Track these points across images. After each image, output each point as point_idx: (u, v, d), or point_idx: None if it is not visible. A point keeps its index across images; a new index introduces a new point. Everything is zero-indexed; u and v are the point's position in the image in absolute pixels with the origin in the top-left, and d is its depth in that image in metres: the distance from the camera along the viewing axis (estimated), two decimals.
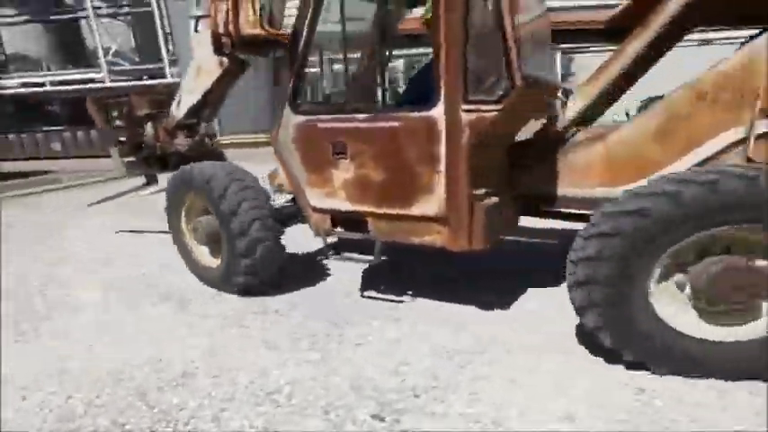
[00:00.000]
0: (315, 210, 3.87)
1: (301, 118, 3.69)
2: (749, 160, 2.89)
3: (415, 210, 3.38)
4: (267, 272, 4.17)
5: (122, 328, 3.74)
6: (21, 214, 8.81)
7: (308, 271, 4.86)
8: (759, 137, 2.89)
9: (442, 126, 3.13)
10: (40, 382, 2.97)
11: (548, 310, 3.66)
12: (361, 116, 3.46)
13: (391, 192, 3.45)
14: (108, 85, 26.92)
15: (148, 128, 5.94)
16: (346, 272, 4.65)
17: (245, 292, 4.22)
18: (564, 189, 3.52)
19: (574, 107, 3.55)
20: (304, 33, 3.56)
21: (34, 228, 7.55)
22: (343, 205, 3.68)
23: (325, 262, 5.08)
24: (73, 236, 6.86)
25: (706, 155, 3.02)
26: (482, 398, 2.65)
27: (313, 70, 4.07)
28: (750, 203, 2.48)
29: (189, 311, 4.01)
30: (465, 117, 3.06)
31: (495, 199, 3.38)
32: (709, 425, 2.35)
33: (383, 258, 4.27)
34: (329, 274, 4.75)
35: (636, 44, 3.21)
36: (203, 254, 4.61)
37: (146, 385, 2.89)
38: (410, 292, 4.15)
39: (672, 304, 2.78)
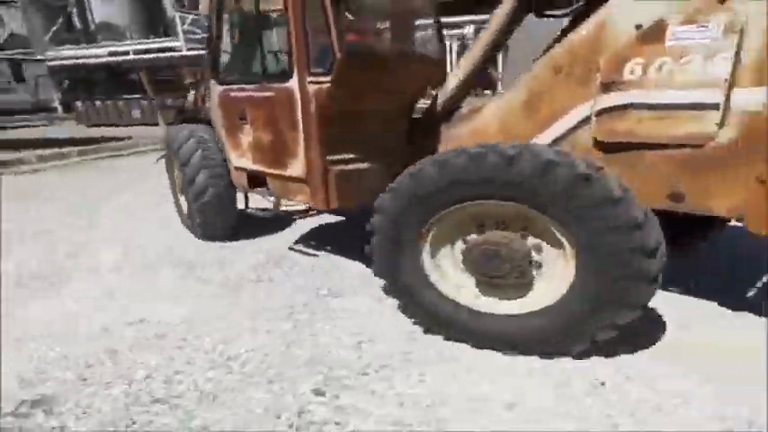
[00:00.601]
0: (235, 168, 4.51)
1: (220, 88, 4.35)
2: (594, 138, 2.92)
3: (289, 171, 3.84)
4: (217, 218, 4.82)
5: (130, 289, 3.96)
6: (93, 177, 9.47)
7: (318, 242, 4.93)
8: (599, 113, 2.87)
9: (297, 96, 3.53)
10: (35, 335, 3.22)
11: None
12: (250, 87, 3.98)
13: (274, 154, 3.93)
14: (185, 53, 27.94)
15: (190, 95, 6.25)
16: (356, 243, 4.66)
17: (204, 236, 4.98)
18: None
19: (448, 84, 3.74)
20: (213, 18, 4.29)
21: (97, 190, 8.10)
22: (249, 165, 4.25)
23: (337, 234, 5.15)
24: (124, 201, 7.26)
25: (561, 131, 3.05)
26: (428, 380, 2.61)
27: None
28: (503, 181, 2.54)
29: (193, 276, 4.18)
30: (310, 88, 3.46)
31: (354, 165, 3.71)
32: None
33: None
34: (339, 246, 4.78)
35: (488, 31, 3.49)
36: (182, 203, 5.27)
37: (120, 344, 3.06)
38: None
39: (447, 273, 3.01)
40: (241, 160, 4.34)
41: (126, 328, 3.27)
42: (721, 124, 2.52)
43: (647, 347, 2.83)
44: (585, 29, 2.86)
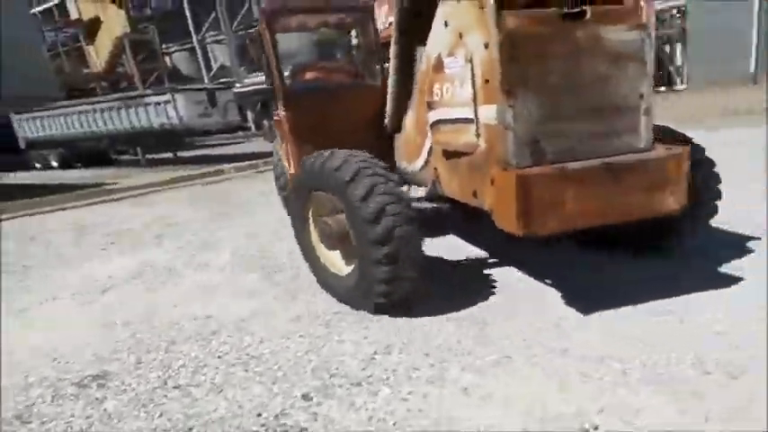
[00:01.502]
0: None
1: None
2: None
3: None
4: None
5: (213, 288, 4.54)
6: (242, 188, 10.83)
7: None
8: (431, 126, 3.79)
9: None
10: (125, 321, 3.90)
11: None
12: None
13: None
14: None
15: None
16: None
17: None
18: (401, 164, 4.66)
19: (387, 104, 4.60)
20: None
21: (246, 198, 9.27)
22: None
23: None
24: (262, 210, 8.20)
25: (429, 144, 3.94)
26: (411, 400, 2.60)
27: None
28: (323, 178, 3.62)
29: (270, 280, 4.62)
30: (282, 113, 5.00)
31: None
32: None
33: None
34: None
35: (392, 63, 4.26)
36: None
37: (177, 336, 3.56)
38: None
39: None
40: None
41: (191, 322, 3.78)
42: (477, 135, 3.18)
43: None
44: (424, 58, 3.69)
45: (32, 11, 44.20)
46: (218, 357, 3.20)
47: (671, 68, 25.59)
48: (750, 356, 2.67)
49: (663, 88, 24.63)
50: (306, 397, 2.69)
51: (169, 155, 18.82)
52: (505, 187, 2.96)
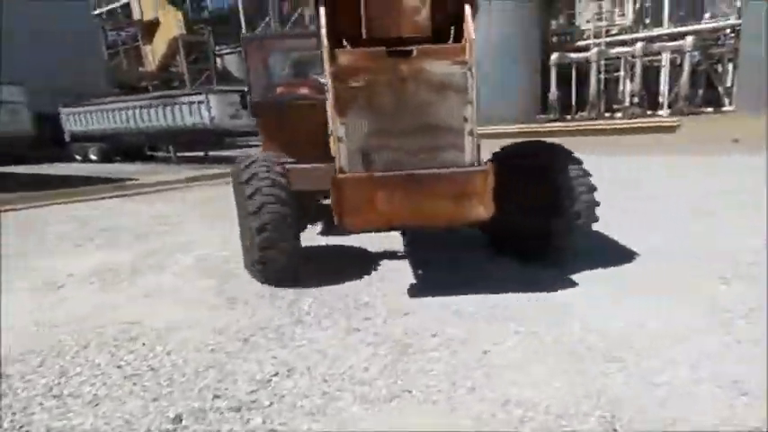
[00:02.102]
0: None
1: None
2: None
3: None
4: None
5: (161, 293, 4.48)
6: None
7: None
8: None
9: None
10: (44, 326, 3.87)
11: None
12: None
13: None
14: None
15: None
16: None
17: None
18: None
19: None
20: None
21: None
22: None
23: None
24: None
25: None
26: (339, 422, 2.42)
27: None
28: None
29: (219, 289, 4.52)
30: None
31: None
32: None
33: None
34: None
35: None
36: None
37: (94, 340, 3.48)
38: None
39: None
40: None
41: (116, 327, 3.71)
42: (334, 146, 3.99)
43: None
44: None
45: (98, 11, 46.50)
46: (118, 367, 3.09)
47: (720, 89, 24.34)
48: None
49: (710, 109, 23.45)
50: (176, 419, 2.53)
51: (201, 153, 19.21)
52: (332, 189, 3.68)
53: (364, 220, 3.81)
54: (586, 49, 26.57)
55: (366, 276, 4.59)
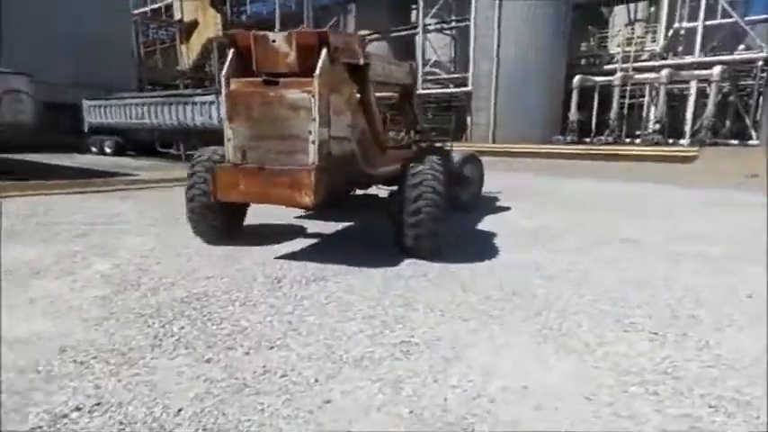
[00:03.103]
0: None
1: None
2: None
3: None
4: None
5: (33, 302, 4.14)
6: None
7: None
8: None
9: None
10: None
11: None
12: None
13: None
14: (420, 91, 29.58)
15: None
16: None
17: None
18: None
19: None
20: None
21: None
22: None
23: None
24: None
25: None
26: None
27: None
28: None
29: (100, 304, 4.16)
30: None
31: None
32: None
33: None
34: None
35: None
36: None
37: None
38: None
39: None
40: None
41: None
42: None
43: None
44: None
45: (143, 9, 47.60)
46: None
47: (747, 121, 23.03)
48: None
49: (735, 141, 22.20)
50: None
51: None
52: (214, 173, 5.43)
53: (229, 195, 5.35)
54: (612, 72, 25.61)
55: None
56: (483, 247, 6.23)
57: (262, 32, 5.18)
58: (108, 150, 19.91)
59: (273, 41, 5.05)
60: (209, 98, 16.84)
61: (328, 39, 5.00)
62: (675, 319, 3.98)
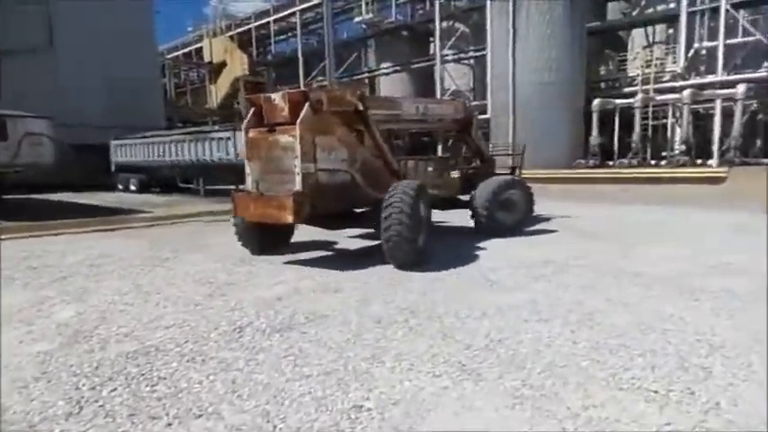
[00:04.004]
0: None
1: None
2: None
3: None
4: None
5: None
6: None
7: None
8: None
9: None
10: None
11: None
12: None
13: None
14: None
15: None
16: None
17: None
18: None
19: None
20: None
21: None
22: None
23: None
24: None
25: None
26: None
27: None
28: None
29: (43, 358, 3.78)
30: None
31: None
32: None
33: None
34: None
35: None
36: None
37: None
38: None
39: None
40: None
41: None
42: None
43: None
44: None
45: (175, 54, 49.23)
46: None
47: None
48: None
49: (766, 160, 20.97)
50: None
51: (232, 187, 19.06)
52: (232, 199, 7.03)
53: (243, 214, 6.80)
54: (632, 95, 24.79)
55: None
56: (478, 283, 5.67)
57: (268, 94, 6.74)
58: (133, 188, 20.11)
59: (274, 100, 6.49)
60: (227, 134, 16.84)
61: (309, 95, 6.29)
62: (683, 372, 3.34)
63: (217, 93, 41.20)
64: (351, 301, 5.04)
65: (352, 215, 7.24)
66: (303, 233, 7.98)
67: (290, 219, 6.18)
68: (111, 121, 23.34)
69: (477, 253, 7.41)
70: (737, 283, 5.53)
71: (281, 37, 48.50)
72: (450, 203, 9.32)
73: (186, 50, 48.91)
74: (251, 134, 6.72)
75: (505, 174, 10.00)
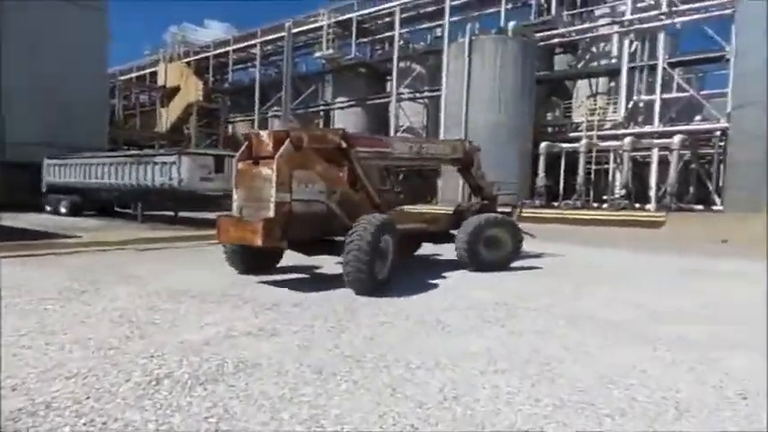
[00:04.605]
0: None
1: None
2: None
3: None
4: None
5: None
6: None
7: None
8: None
9: None
10: None
11: None
12: None
13: None
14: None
15: None
16: None
17: None
18: None
19: None
20: None
21: None
22: None
23: None
24: None
25: None
26: None
27: None
28: None
29: None
30: None
31: None
32: None
33: None
34: None
35: None
36: None
37: None
38: None
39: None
40: None
41: None
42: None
43: None
44: None
45: (130, 75, 47.67)
46: None
47: (710, 188, 22.94)
48: None
49: (700, 206, 21.98)
50: None
51: (171, 213, 18.01)
52: (217, 222, 7.27)
53: (224, 237, 7.16)
54: (577, 140, 25.67)
55: None
56: (429, 329, 5.22)
57: (259, 131, 7.79)
58: (63, 210, 18.65)
59: (262, 137, 7.27)
60: (171, 158, 15.98)
61: (289, 134, 6.95)
62: None
63: (168, 117, 39.89)
64: (291, 346, 4.47)
65: (331, 243, 7.33)
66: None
67: (259, 242, 6.57)
68: (50, 139, 21.92)
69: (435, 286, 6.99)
70: (691, 331, 5.34)
71: (240, 66, 47.93)
72: (445, 237, 9.64)
73: (140, 74, 47.46)
74: (240, 165, 7.25)
75: (499, 212, 10.18)
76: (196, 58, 45.54)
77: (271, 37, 40.61)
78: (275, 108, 40.88)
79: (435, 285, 7.52)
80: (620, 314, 6.01)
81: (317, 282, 7.66)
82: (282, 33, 38.02)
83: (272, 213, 6.60)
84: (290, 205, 6.77)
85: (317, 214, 7.16)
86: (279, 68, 42.82)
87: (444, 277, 8.23)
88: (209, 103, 40.89)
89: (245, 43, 42.97)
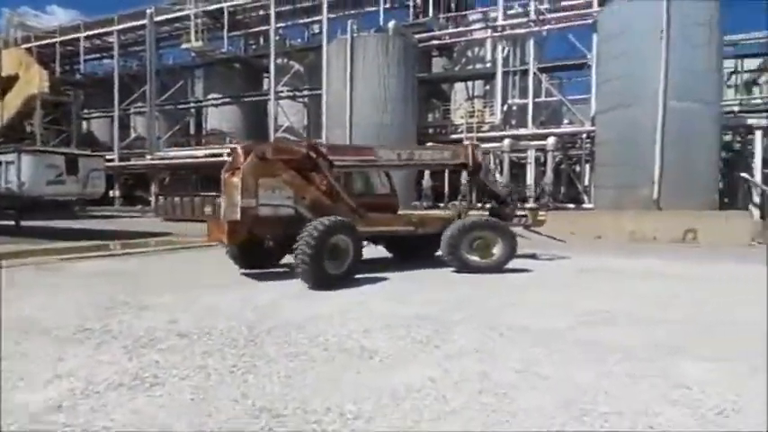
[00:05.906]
0: None
1: None
2: None
3: None
4: None
5: None
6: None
7: None
8: None
9: None
10: None
11: None
12: None
13: None
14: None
15: None
16: None
17: None
18: None
19: None
20: None
21: None
22: None
23: None
24: None
25: None
26: None
27: None
28: None
29: None
30: None
31: None
32: None
33: None
34: None
35: None
36: None
37: None
38: None
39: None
40: None
41: None
42: None
43: None
44: None
45: None
46: None
47: (579, 188, 24.94)
48: None
49: (572, 205, 23.72)
50: None
51: (11, 223, 15.07)
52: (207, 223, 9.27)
53: (210, 237, 8.50)
54: (458, 141, 26.39)
55: None
56: (351, 360, 4.39)
57: (237, 146, 9.16)
58: None
59: (238, 151, 8.33)
60: (9, 157, 13.35)
61: (254, 148, 8.14)
62: None
63: (2, 110, 34.26)
64: (175, 405, 3.36)
65: (261, 254, 8.82)
66: None
67: (225, 240, 7.94)
68: None
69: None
70: (628, 338, 5.13)
71: (95, 56, 42.87)
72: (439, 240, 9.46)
73: None
74: (225, 176, 8.37)
75: (509, 216, 10.35)
76: (39, 43, 39.83)
77: (130, 25, 36.75)
78: (139, 104, 37.09)
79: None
80: (549, 322, 5.68)
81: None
82: (144, 21, 34.60)
83: (237, 216, 7.62)
84: (256, 210, 7.68)
85: (282, 218, 8.00)
86: (141, 60, 38.96)
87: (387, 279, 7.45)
88: (58, 96, 35.93)
89: (100, 30, 38.44)
